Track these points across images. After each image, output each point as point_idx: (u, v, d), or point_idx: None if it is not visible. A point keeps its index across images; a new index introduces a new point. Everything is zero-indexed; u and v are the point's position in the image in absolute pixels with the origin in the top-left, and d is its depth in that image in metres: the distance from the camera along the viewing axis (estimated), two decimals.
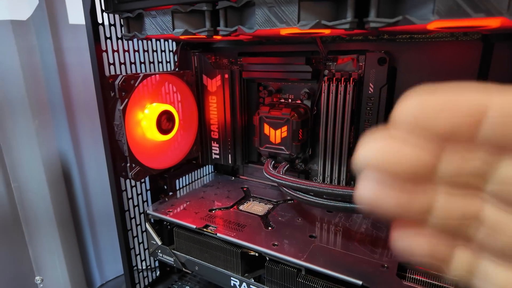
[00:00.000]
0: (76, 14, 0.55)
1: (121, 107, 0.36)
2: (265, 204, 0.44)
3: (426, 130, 0.11)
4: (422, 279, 0.30)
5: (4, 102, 0.50)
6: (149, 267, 0.47)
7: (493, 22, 0.21)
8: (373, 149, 0.12)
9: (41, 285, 0.60)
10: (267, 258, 0.34)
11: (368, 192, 0.12)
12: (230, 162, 0.50)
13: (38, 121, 0.52)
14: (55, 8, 0.52)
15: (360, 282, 0.28)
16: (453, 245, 0.13)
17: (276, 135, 0.43)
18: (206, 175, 0.55)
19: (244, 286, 0.36)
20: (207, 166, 0.55)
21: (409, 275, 0.30)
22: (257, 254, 0.36)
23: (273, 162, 0.44)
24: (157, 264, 0.50)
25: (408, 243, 0.13)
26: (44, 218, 0.57)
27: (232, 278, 0.37)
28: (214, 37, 0.31)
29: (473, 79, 0.36)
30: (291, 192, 0.36)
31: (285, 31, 0.27)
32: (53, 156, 0.55)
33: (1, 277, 0.55)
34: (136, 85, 0.38)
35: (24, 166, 0.54)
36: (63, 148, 0.57)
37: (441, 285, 0.29)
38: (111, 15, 0.37)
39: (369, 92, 0.39)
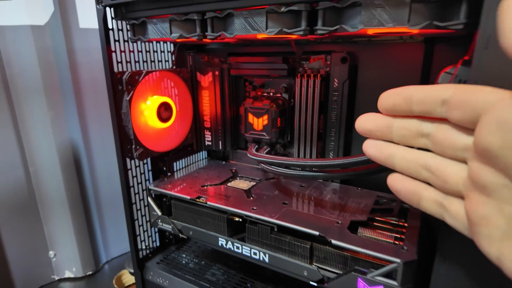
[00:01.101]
0: (85, 19, 0.62)
1: (128, 98, 0.44)
2: (250, 182, 0.52)
3: (383, 108, 0.22)
4: (369, 235, 0.37)
5: (24, 96, 0.58)
6: (149, 237, 0.55)
7: (407, 30, 0.29)
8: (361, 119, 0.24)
9: (54, 259, 0.68)
10: (248, 220, 0.42)
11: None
12: (220, 148, 0.58)
13: (53, 112, 0.60)
14: (68, 14, 0.60)
15: (317, 233, 0.36)
16: (418, 185, 0.22)
17: (259, 122, 0.51)
18: (200, 160, 0.63)
19: (230, 244, 0.43)
20: (201, 152, 0.63)
21: (360, 231, 0.38)
22: (240, 220, 0.44)
23: (256, 146, 0.52)
24: (157, 237, 0.57)
25: (390, 183, 0.24)
26: (57, 200, 0.64)
27: (219, 238, 0.44)
28: (204, 40, 0.38)
29: (418, 75, 0.43)
30: (267, 167, 0.43)
31: (260, 35, 0.35)
32: (65, 144, 0.63)
33: (19, 252, 0.63)
34: (140, 80, 0.45)
35: (40, 152, 0.61)
36: (73, 136, 0.64)
37: (382, 239, 0.36)
38: (119, 22, 0.44)
39: (334, 86, 0.46)
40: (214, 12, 0.35)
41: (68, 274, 0.68)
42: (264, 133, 0.51)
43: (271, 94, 0.53)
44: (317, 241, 0.38)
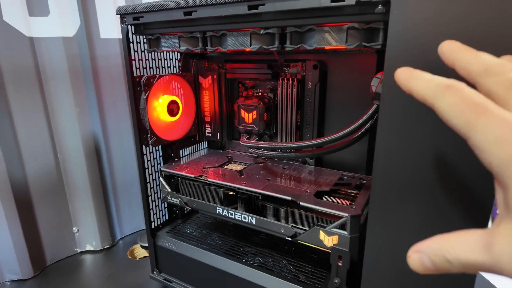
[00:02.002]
0: (105, 31, 0.74)
1: (145, 97, 0.55)
2: (242, 165, 0.63)
3: None
4: (330, 200, 0.49)
5: (55, 96, 0.70)
6: (160, 211, 0.67)
7: (345, 47, 0.40)
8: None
9: (77, 234, 0.79)
10: (239, 192, 0.53)
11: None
12: (218, 138, 0.69)
13: (79, 109, 0.72)
14: (91, 26, 0.71)
15: (290, 198, 0.48)
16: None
17: (249, 117, 0.62)
18: (202, 149, 0.75)
19: (225, 212, 0.55)
20: (202, 142, 0.74)
21: (324, 197, 0.49)
22: (234, 193, 0.55)
23: (247, 136, 0.63)
24: (166, 212, 0.69)
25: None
26: (81, 183, 0.76)
27: (217, 207, 0.56)
28: (205, 52, 0.50)
29: (372, 78, 0.55)
30: (254, 150, 0.55)
31: (247, 49, 0.47)
32: (88, 136, 0.74)
33: (49, 227, 0.74)
34: (154, 82, 0.57)
35: (68, 143, 0.73)
36: (95, 130, 0.76)
37: (339, 203, 0.48)
38: (138, 36, 0.56)
39: (308, 87, 0.58)
40: (212, 32, 0.47)
41: (88, 247, 0.79)
42: (254, 125, 0.62)
43: (260, 93, 0.65)
44: (291, 206, 0.49)
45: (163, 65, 0.63)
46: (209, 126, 0.69)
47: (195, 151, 0.73)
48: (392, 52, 0.32)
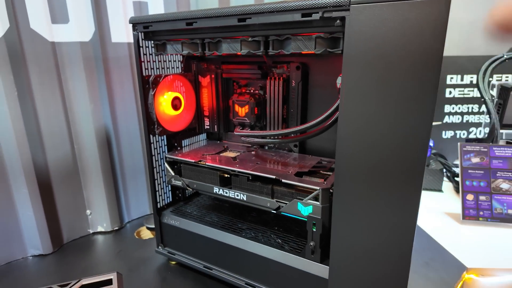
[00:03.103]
0: (116, 36, 0.84)
1: (153, 93, 0.65)
2: (236, 153, 0.73)
3: None
4: (308, 178, 0.58)
5: (72, 93, 0.79)
6: (165, 193, 0.76)
7: (314, 52, 0.50)
8: None
9: (90, 216, 0.89)
10: (232, 174, 0.63)
11: None
12: (216, 130, 0.79)
13: (93, 105, 0.81)
14: (104, 32, 0.81)
15: (273, 177, 0.57)
16: None
17: (242, 111, 0.72)
18: (201, 140, 0.84)
19: (221, 191, 0.65)
20: (202, 134, 0.84)
21: (304, 177, 0.59)
22: (228, 176, 0.65)
23: (241, 128, 0.73)
24: (170, 194, 0.79)
25: None
26: (94, 170, 0.86)
27: (214, 187, 0.65)
28: (204, 55, 0.60)
29: None
30: (246, 138, 0.65)
31: (238, 53, 0.56)
32: (100, 128, 0.84)
33: (66, 209, 0.84)
34: (160, 81, 0.67)
35: (83, 134, 0.83)
36: (106, 123, 0.85)
37: (315, 180, 0.58)
38: (147, 41, 0.66)
39: (292, 85, 0.68)
40: (210, 39, 0.57)
41: (100, 229, 0.89)
42: (246, 118, 0.72)
43: (251, 91, 0.74)
44: (275, 184, 0.59)
45: (167, 66, 0.72)
46: (208, 120, 0.79)
47: (196, 142, 0.83)
48: (347, 55, 0.42)
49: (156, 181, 0.73)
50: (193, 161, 0.67)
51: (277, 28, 0.49)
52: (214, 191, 0.66)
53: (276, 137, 0.62)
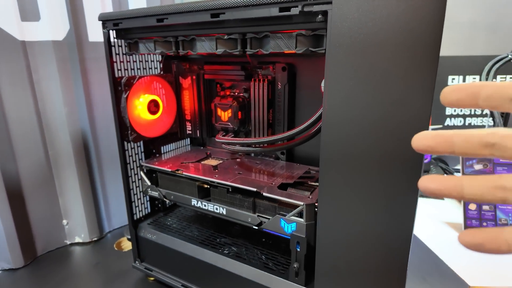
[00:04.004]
0: (93, 34, 0.78)
1: (125, 96, 0.60)
2: (219, 160, 0.68)
3: (447, 101, 0.21)
4: (293, 191, 0.53)
5: (45, 94, 0.74)
6: (142, 204, 0.71)
7: (295, 52, 0.44)
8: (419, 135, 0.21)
9: (67, 227, 0.84)
10: (212, 185, 0.57)
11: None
12: (198, 135, 0.74)
13: (68, 108, 0.76)
14: (80, 30, 0.76)
15: (254, 189, 0.52)
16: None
17: (225, 115, 0.67)
18: (184, 146, 0.79)
19: (199, 203, 0.59)
20: (185, 140, 0.79)
21: (288, 189, 0.53)
22: (208, 187, 0.59)
23: (224, 133, 0.68)
24: (148, 205, 0.73)
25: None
26: (70, 177, 0.80)
27: (192, 199, 0.60)
28: (178, 54, 0.54)
29: None
30: (227, 146, 0.59)
31: (214, 52, 0.51)
32: (76, 133, 0.79)
33: (40, 219, 0.79)
34: (134, 82, 0.61)
35: (58, 138, 0.77)
36: (83, 126, 0.80)
37: (300, 194, 0.52)
38: (119, 40, 0.60)
39: (278, 88, 0.62)
40: (184, 37, 0.51)
41: (77, 240, 0.84)
42: (229, 123, 0.66)
43: (236, 93, 0.69)
44: (257, 197, 0.54)
45: (144, 67, 0.67)
46: (190, 124, 0.73)
47: (178, 148, 0.77)
48: (330, 54, 0.36)
49: (131, 191, 0.67)
50: (170, 170, 0.61)
51: (255, 24, 0.43)
52: (192, 204, 0.60)
53: (259, 146, 0.56)
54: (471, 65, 1.43)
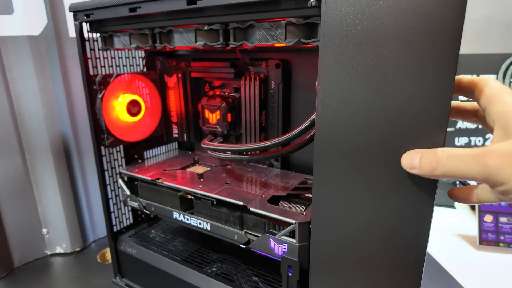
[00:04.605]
0: (74, 30, 0.72)
1: (100, 96, 0.54)
2: (206, 167, 0.61)
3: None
4: (285, 206, 0.46)
5: (20, 94, 0.68)
6: (123, 214, 0.65)
7: (285, 45, 0.37)
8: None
9: (47, 236, 0.78)
10: (195, 196, 0.51)
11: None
12: (185, 139, 0.67)
13: (46, 108, 0.70)
14: (59, 25, 0.70)
15: (241, 203, 0.45)
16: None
17: (213, 117, 0.60)
18: (171, 150, 0.73)
19: (181, 217, 0.53)
20: (172, 144, 0.72)
21: (281, 203, 0.47)
22: (192, 197, 0.53)
23: (212, 138, 0.61)
24: (130, 215, 0.67)
25: None
26: (50, 183, 0.75)
27: (174, 212, 0.54)
28: (154, 49, 0.48)
29: None
30: (213, 153, 0.53)
31: (192, 47, 0.44)
32: (56, 135, 0.73)
33: (17, 228, 0.73)
34: (110, 81, 0.55)
35: (36, 142, 0.72)
36: (64, 129, 0.74)
37: (294, 209, 0.45)
38: (94, 34, 0.54)
39: (272, 87, 0.55)
40: (161, 28, 0.45)
41: (58, 250, 0.78)
42: (217, 126, 0.60)
43: (226, 93, 0.62)
44: (245, 211, 0.47)
45: (124, 64, 0.61)
46: (176, 127, 0.67)
47: (164, 152, 0.71)
48: (325, 45, 0.29)
49: (111, 200, 0.61)
50: (150, 178, 0.55)
51: (237, 12, 0.37)
52: (174, 217, 0.54)
53: (248, 153, 0.49)
54: (485, 64, 1.35)
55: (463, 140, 1.34)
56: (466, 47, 1.44)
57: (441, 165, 0.24)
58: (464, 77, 0.30)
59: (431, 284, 0.67)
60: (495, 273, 0.69)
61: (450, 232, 0.85)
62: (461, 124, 1.31)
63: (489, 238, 0.78)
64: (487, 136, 1.34)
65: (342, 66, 0.29)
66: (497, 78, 0.94)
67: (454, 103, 0.32)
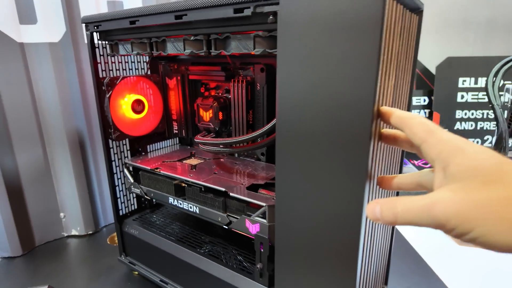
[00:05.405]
0: None
1: (108, 96, 0.62)
2: (200, 160, 0.68)
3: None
4: (263, 192, 0.53)
5: (40, 94, 0.78)
6: (128, 200, 0.73)
7: (254, 53, 0.44)
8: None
9: (64, 220, 0.87)
10: (187, 183, 0.58)
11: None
12: (184, 135, 0.75)
13: (63, 107, 0.80)
14: (76, 32, 0.79)
15: (223, 189, 0.52)
16: None
17: (206, 115, 0.67)
18: (173, 145, 0.81)
19: (176, 201, 0.60)
20: (173, 139, 0.80)
21: (260, 190, 0.53)
22: (185, 185, 0.60)
23: (206, 134, 0.68)
24: (135, 202, 0.75)
25: None
26: (67, 173, 0.84)
27: (169, 197, 0.61)
28: (151, 56, 0.56)
29: None
30: (203, 147, 0.60)
31: (182, 54, 0.52)
32: (72, 130, 0.82)
33: (38, 212, 0.83)
34: (117, 83, 0.63)
35: (55, 136, 0.81)
36: (79, 125, 0.83)
37: (269, 195, 0.52)
38: (103, 42, 0.63)
39: (257, 89, 0.62)
40: (156, 38, 0.52)
41: (73, 232, 0.87)
42: (210, 123, 0.67)
43: (219, 94, 0.70)
44: (228, 197, 0.54)
45: (130, 67, 0.69)
46: (176, 124, 0.75)
47: (167, 146, 0.79)
48: (281, 56, 0.36)
49: (117, 187, 0.69)
50: (149, 168, 0.63)
51: (216, 26, 0.44)
52: (169, 202, 0.61)
53: (228, 146, 0.56)
54: (486, 67, 1.37)
55: None
56: (469, 49, 1.46)
57: (398, 217, 0.25)
58: (394, 114, 0.31)
59: (408, 274, 0.71)
60: (472, 266, 0.73)
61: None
62: (459, 125, 1.34)
63: None
64: (486, 137, 1.36)
65: (293, 67, 0.36)
66: (486, 80, 0.96)
67: (390, 131, 0.34)
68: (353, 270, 0.37)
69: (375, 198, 0.42)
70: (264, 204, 0.47)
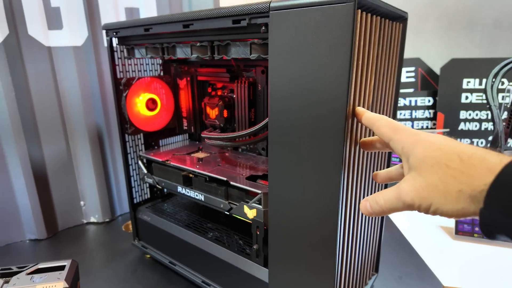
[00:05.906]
0: None
1: (124, 94, 0.69)
2: (206, 153, 0.75)
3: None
4: (261, 182, 0.59)
5: (65, 94, 0.86)
6: (142, 190, 0.80)
7: (250, 57, 0.50)
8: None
9: (84, 207, 0.96)
10: (194, 174, 0.65)
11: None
12: (193, 131, 0.82)
13: (85, 104, 0.88)
14: (97, 36, 0.87)
15: (225, 179, 0.58)
16: None
17: (212, 113, 0.74)
18: (183, 140, 0.88)
19: (184, 190, 0.67)
20: (183, 135, 0.87)
21: (258, 180, 0.59)
22: (192, 175, 0.67)
23: (212, 130, 0.75)
24: (148, 191, 0.83)
25: None
26: (87, 165, 0.92)
27: (178, 186, 0.68)
28: (163, 59, 0.62)
29: None
30: (208, 141, 0.66)
31: (189, 58, 0.58)
32: (92, 126, 0.90)
33: (61, 199, 0.91)
34: (133, 83, 0.70)
35: (77, 132, 0.89)
36: (98, 121, 0.91)
37: (263, 184, 0.58)
38: (121, 46, 0.70)
39: (258, 89, 0.68)
40: (167, 43, 0.59)
41: (92, 219, 0.95)
42: (216, 120, 0.73)
43: (225, 94, 0.76)
44: (229, 186, 0.60)
45: (145, 69, 0.76)
46: (186, 121, 0.82)
47: (177, 142, 0.86)
48: (271, 63, 0.42)
49: (132, 178, 0.77)
50: (160, 160, 0.70)
51: (218, 34, 0.50)
52: (178, 190, 0.68)
53: (229, 140, 0.63)
54: (490, 68, 1.39)
55: (465, 142, 1.38)
56: (475, 51, 1.47)
57: (384, 208, 0.30)
58: (364, 115, 0.37)
59: (401, 265, 0.76)
60: (462, 259, 0.77)
61: (432, 223, 0.93)
62: (463, 126, 1.36)
63: (465, 229, 0.85)
64: (490, 138, 1.38)
65: (281, 71, 0.41)
66: (486, 81, 0.99)
67: (366, 139, 0.40)
68: (333, 252, 0.43)
69: (362, 190, 0.47)
70: (259, 191, 0.53)
